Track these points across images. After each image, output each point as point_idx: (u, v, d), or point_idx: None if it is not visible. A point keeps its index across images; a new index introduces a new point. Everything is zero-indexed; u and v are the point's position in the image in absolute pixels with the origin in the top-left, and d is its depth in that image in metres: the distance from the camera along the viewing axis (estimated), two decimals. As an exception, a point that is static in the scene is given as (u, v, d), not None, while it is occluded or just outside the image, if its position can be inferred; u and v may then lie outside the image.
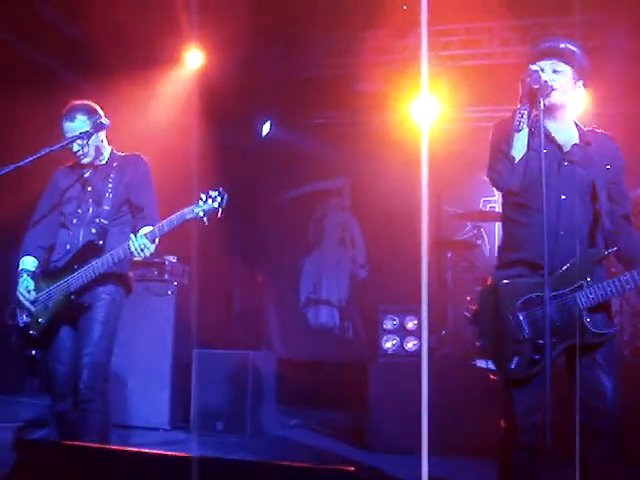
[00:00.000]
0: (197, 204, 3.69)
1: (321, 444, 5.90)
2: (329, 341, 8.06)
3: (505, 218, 3.47)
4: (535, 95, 3.08)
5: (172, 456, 2.48)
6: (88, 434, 3.78)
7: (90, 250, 3.95)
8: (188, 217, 3.70)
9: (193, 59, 6.95)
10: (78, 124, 4.02)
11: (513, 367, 3.15)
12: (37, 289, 3.97)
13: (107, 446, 3.58)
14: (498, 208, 7.54)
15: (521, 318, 3.17)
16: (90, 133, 4.03)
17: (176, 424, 6.16)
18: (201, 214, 3.68)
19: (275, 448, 5.79)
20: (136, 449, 2.56)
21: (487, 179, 3.35)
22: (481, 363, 3.26)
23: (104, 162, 4.17)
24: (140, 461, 2.47)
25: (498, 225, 7.52)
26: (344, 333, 8.11)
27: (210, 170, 6.30)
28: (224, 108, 7.15)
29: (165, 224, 3.74)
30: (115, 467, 2.47)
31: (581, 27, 6.20)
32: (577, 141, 3.33)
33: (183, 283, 6.55)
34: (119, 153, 4.24)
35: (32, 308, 3.93)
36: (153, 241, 3.78)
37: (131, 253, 3.75)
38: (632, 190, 7.17)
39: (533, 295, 3.17)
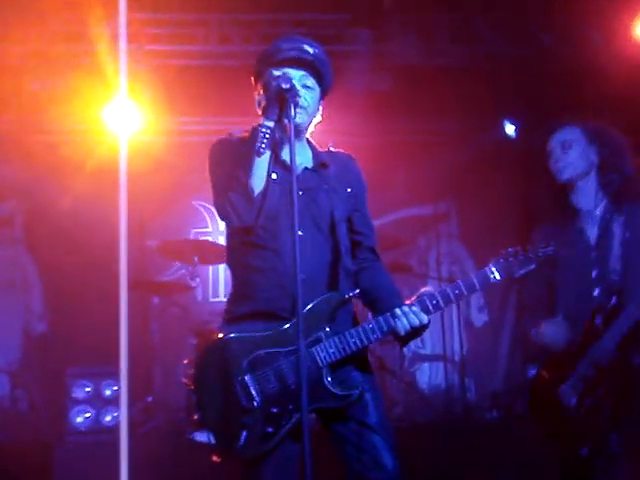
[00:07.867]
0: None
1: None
2: (-2, 418, 6.57)
3: (234, 262, 2.96)
4: (285, 100, 2.59)
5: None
6: None
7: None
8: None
9: None
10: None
11: (241, 444, 2.73)
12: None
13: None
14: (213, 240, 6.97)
15: (248, 382, 2.73)
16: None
17: None
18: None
19: None
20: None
21: (214, 209, 2.84)
22: (202, 437, 2.79)
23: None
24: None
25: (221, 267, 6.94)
26: (16, 406, 6.57)
27: None
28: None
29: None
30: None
31: (321, 27, 5.38)
32: (310, 164, 2.91)
33: None
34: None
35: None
36: None
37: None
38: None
39: (262, 352, 2.74)
